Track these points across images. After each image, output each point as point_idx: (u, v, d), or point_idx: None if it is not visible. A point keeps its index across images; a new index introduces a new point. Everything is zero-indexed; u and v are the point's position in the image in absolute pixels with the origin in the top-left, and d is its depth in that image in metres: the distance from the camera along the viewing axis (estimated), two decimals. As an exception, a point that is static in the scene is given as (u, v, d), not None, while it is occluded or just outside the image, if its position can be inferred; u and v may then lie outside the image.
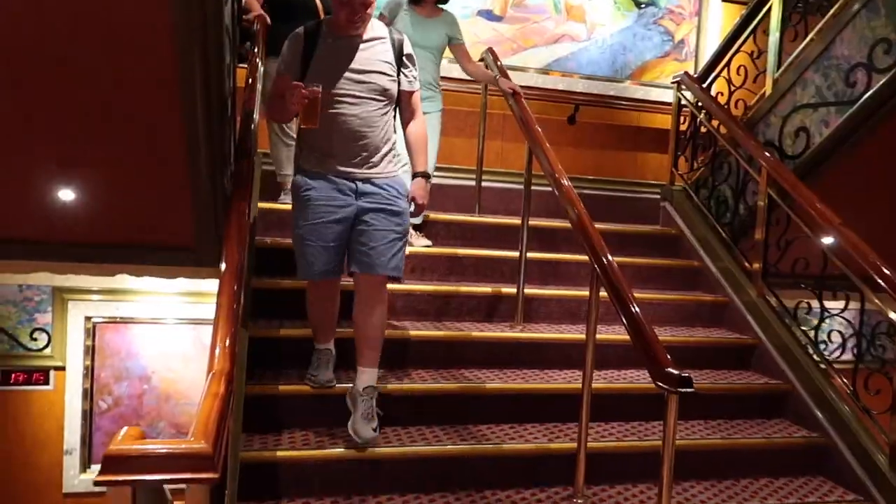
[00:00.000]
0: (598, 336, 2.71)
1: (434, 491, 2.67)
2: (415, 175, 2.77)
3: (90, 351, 4.99)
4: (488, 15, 5.69)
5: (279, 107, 2.63)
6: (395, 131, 2.82)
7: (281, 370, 3.00)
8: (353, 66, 2.61)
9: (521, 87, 4.43)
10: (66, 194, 3.25)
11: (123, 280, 4.80)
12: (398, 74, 2.70)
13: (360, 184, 2.62)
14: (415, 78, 2.77)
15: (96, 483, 1.20)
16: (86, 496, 4.99)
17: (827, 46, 3.49)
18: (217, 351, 1.71)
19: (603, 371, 3.34)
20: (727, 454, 3.11)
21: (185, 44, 2.43)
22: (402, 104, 2.77)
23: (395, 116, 2.84)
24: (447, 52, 4.01)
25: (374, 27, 2.71)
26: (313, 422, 2.81)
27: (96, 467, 5.01)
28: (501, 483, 2.77)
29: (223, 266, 2.23)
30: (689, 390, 2.15)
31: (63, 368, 4.92)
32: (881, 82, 3.19)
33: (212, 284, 4.38)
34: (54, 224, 3.40)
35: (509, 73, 4.76)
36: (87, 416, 4.98)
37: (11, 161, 3.04)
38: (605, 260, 2.60)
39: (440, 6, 3.93)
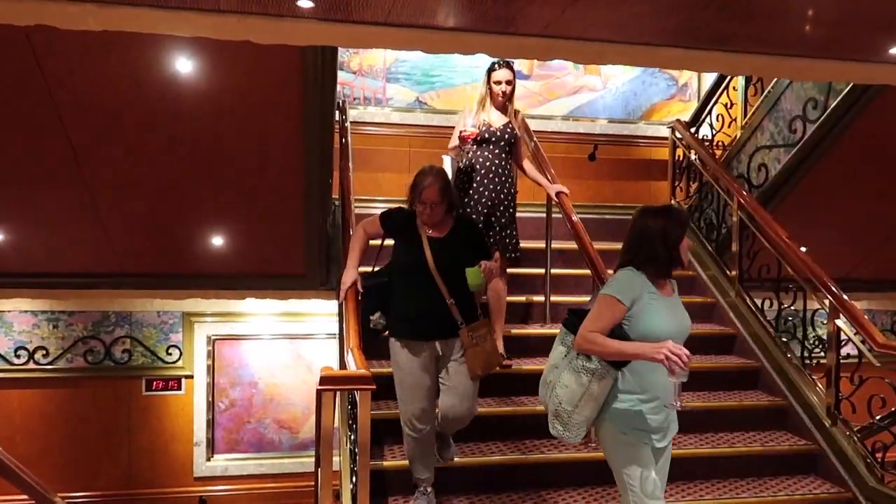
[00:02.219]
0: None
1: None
2: None
3: (211, 362, 6.27)
4: (518, 75, 6.86)
5: None
6: None
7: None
8: None
9: (548, 132, 5.51)
10: (216, 240, 4.54)
11: (235, 305, 6.09)
12: None
13: None
14: None
15: (318, 391, 2.35)
16: (211, 479, 6.26)
17: (776, 101, 4.55)
18: (351, 333, 2.88)
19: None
20: (712, 415, 4.13)
21: (309, 151, 3.70)
22: None
23: None
24: None
25: None
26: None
27: (220, 456, 6.29)
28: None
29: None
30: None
31: (191, 377, 6.22)
32: (812, 130, 4.23)
33: (310, 305, 5.65)
34: (203, 261, 4.70)
35: (537, 121, 5.87)
36: (211, 415, 6.26)
37: (186, 218, 4.34)
38: (602, 276, 3.71)
39: None
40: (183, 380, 6.22)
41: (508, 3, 2.58)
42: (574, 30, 2.88)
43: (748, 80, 4.86)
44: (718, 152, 5.24)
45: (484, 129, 4.02)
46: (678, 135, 5.49)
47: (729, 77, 5.12)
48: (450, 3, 2.60)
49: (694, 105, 7.10)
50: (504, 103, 4.12)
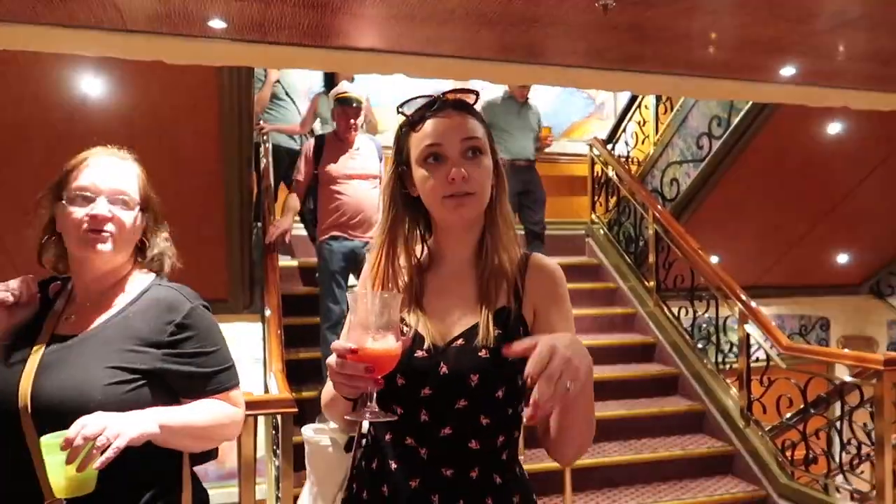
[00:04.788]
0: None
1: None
2: None
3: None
4: (441, 94, 6.96)
5: None
6: None
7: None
8: None
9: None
10: (131, 266, 4.38)
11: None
12: None
13: None
14: None
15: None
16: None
17: (684, 119, 4.79)
18: (274, 356, 2.84)
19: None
20: (632, 421, 4.25)
21: (228, 174, 3.63)
22: None
23: None
24: None
25: None
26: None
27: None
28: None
29: (268, 310, 3.34)
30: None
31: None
32: (717, 146, 4.47)
33: (234, 329, 5.49)
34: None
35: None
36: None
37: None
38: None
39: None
40: (100, 413, 5.91)
41: (424, 24, 2.63)
42: (490, 50, 2.96)
43: (658, 99, 5.10)
44: (634, 168, 5.45)
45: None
46: (596, 151, 5.68)
47: (641, 96, 5.34)
48: (367, 23, 2.62)
49: (611, 123, 7.38)
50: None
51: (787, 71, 3.32)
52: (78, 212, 1.32)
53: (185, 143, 3.60)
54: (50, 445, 1.13)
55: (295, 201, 3.97)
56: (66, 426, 1.13)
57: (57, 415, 1.17)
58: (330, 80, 4.84)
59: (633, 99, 5.41)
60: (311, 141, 4.06)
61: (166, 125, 3.55)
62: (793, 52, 3.15)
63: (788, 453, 3.78)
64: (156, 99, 3.45)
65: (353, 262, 3.79)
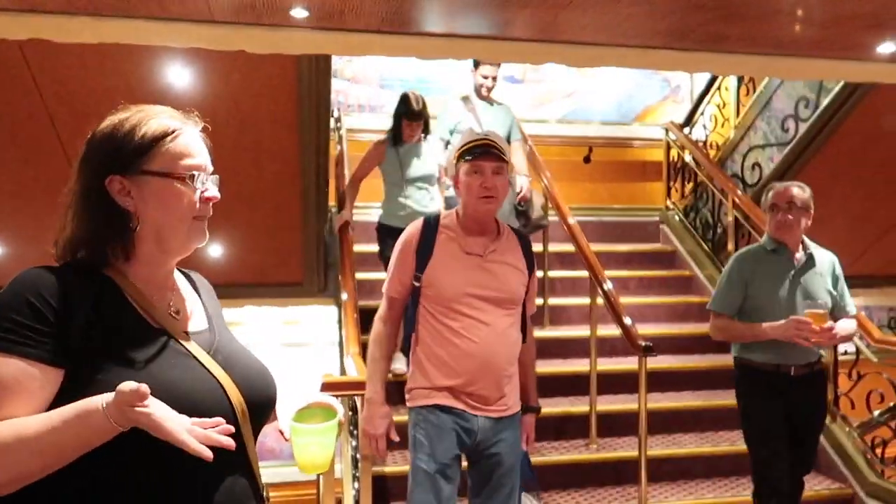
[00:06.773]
0: (600, 333, 3.83)
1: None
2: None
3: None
4: (511, 79, 6.90)
5: None
6: None
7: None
8: None
9: (542, 136, 5.56)
10: (213, 249, 4.55)
11: (231, 314, 6.07)
12: None
13: None
14: None
15: (318, 397, 2.36)
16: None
17: (768, 101, 4.58)
18: (351, 339, 2.90)
19: (610, 357, 4.40)
20: (710, 413, 4.14)
21: (305, 159, 3.71)
22: None
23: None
24: None
25: None
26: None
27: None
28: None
29: (344, 294, 3.41)
30: (652, 355, 3.24)
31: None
32: (804, 128, 4.27)
33: (308, 312, 5.64)
34: (200, 271, 4.69)
35: (531, 125, 5.93)
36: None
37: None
38: (600, 277, 3.73)
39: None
40: (182, 390, 6.19)
41: (501, 8, 2.60)
42: (567, 33, 2.91)
43: (740, 81, 4.91)
44: (712, 152, 5.27)
45: None
46: (672, 136, 5.53)
47: (721, 78, 5.15)
48: (442, 9, 2.62)
49: (687, 106, 7.14)
50: None
51: (886, 48, 3.12)
52: (189, 193, 1.12)
53: (265, 131, 3.70)
54: (296, 429, 1.22)
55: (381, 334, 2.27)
56: (264, 419, 1.21)
57: (262, 410, 1.19)
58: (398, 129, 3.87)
59: (712, 81, 5.22)
60: (417, 223, 2.23)
61: (247, 114, 3.66)
62: (893, 28, 2.96)
63: (878, 451, 3.60)
64: (236, 88, 3.56)
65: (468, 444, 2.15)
